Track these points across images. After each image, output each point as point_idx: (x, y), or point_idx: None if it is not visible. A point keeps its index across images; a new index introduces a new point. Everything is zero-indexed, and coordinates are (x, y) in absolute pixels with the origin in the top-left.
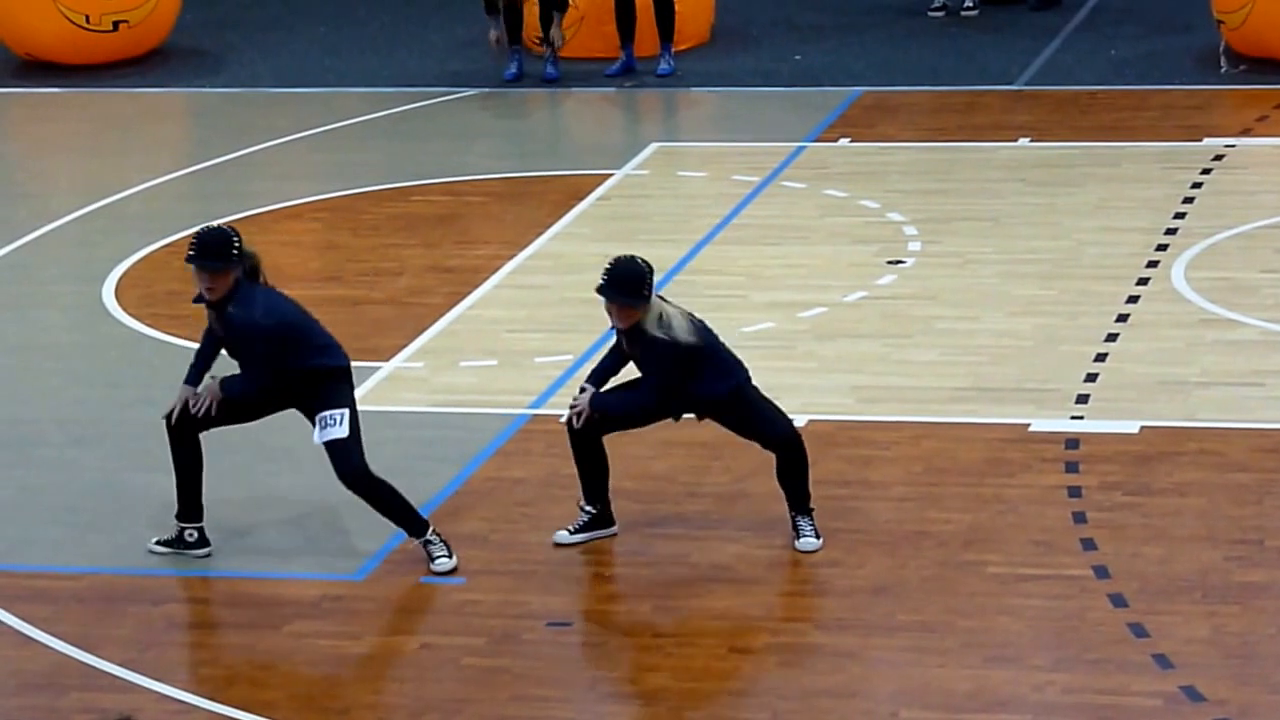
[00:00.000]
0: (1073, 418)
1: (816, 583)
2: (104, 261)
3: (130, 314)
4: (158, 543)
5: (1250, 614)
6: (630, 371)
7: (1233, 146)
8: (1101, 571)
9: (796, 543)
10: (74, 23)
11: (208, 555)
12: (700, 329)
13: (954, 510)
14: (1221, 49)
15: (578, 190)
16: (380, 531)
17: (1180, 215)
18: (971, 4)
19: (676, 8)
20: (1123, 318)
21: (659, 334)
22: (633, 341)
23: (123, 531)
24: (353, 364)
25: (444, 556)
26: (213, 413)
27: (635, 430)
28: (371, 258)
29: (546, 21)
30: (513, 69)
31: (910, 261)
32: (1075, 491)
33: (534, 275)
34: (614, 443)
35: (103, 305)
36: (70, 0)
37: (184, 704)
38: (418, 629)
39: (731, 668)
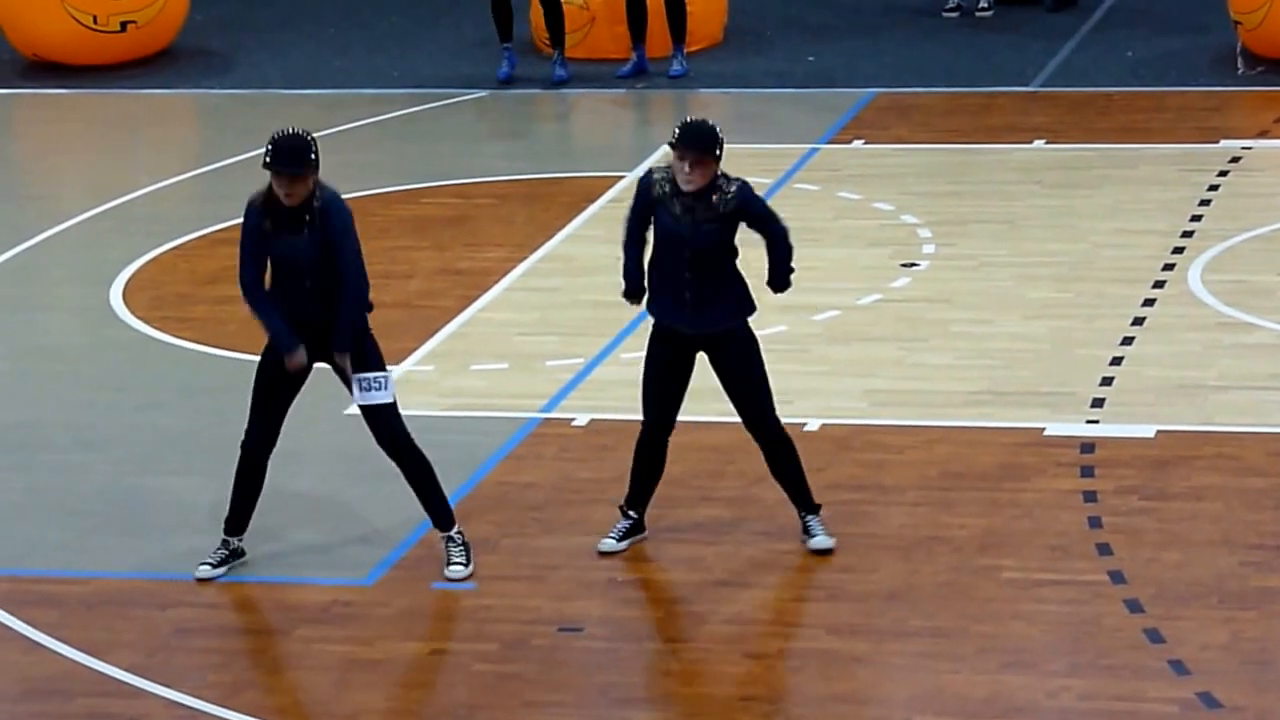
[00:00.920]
0: (1088, 422)
1: (829, 588)
2: (112, 264)
3: (138, 317)
4: (209, 565)
5: (1267, 619)
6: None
7: (1250, 148)
8: (1117, 576)
9: (809, 543)
10: (81, 23)
11: (244, 563)
12: None
13: (968, 515)
14: (1238, 50)
15: (589, 192)
16: (391, 536)
17: (1197, 218)
18: (986, 5)
19: (689, 8)
20: (1139, 321)
21: (729, 181)
22: (703, 199)
23: (130, 536)
24: None
25: (460, 564)
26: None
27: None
28: (381, 260)
29: (554, 23)
30: (504, 68)
31: (924, 264)
32: (1090, 496)
33: (545, 278)
34: (623, 447)
35: (110, 308)
36: (78, 1)
37: (192, 710)
38: (428, 634)
39: (744, 673)
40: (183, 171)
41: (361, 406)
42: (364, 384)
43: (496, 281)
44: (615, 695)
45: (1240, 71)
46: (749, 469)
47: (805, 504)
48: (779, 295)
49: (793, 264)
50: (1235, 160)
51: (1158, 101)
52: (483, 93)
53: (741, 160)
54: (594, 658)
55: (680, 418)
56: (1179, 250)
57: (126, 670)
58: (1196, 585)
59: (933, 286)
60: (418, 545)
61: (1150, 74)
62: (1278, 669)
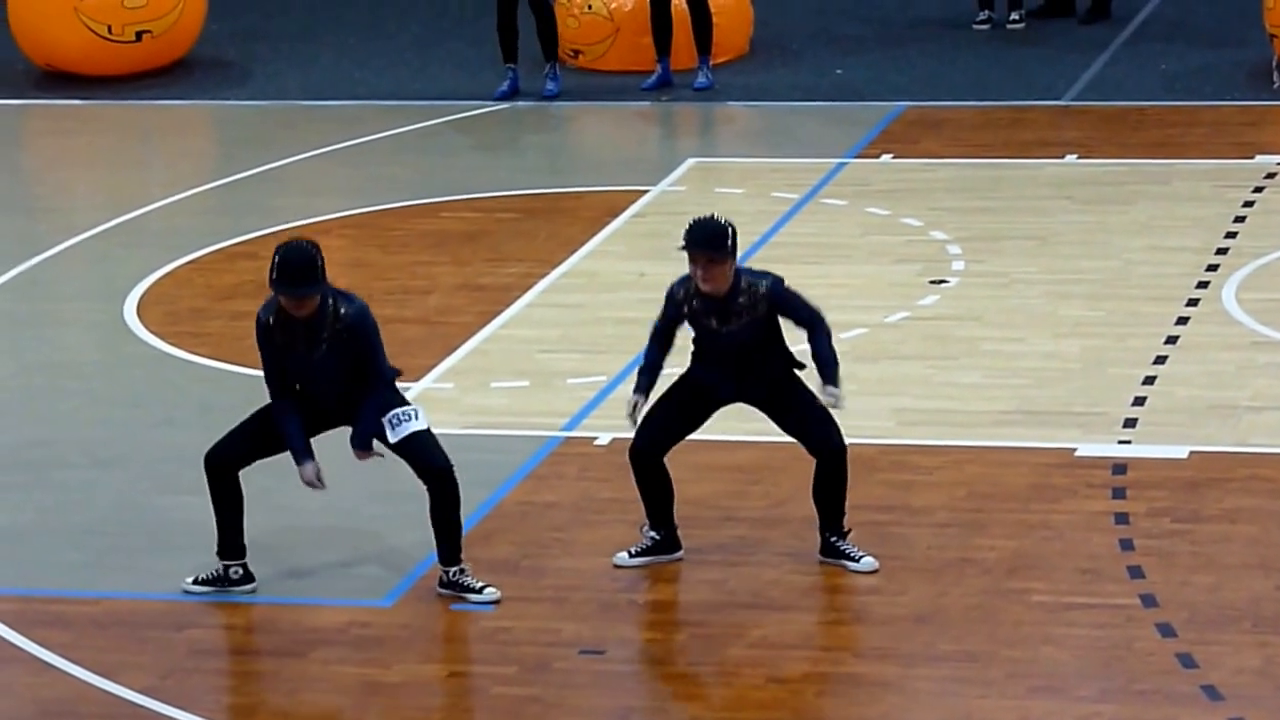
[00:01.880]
0: (1120, 442)
1: (856, 611)
2: (126, 278)
3: (153, 332)
4: (196, 581)
5: None
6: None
7: None
8: (1149, 600)
9: (853, 566)
10: (96, 34)
11: (253, 591)
12: None
13: (998, 537)
14: (1274, 64)
15: (612, 207)
16: (409, 557)
17: (1231, 234)
18: (1017, 17)
19: (715, 20)
20: (1172, 339)
21: (757, 278)
22: (729, 304)
23: (144, 555)
24: None
25: (487, 585)
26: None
27: (672, 450)
28: (400, 275)
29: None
30: (504, 86)
31: (954, 281)
32: (1122, 518)
33: (567, 294)
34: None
35: (124, 323)
36: (93, 11)
37: None
38: (447, 657)
39: (769, 698)
40: (198, 184)
41: (395, 445)
42: (394, 421)
43: (517, 297)
44: None
45: (1276, 85)
46: (773, 489)
47: (836, 526)
48: None
49: (838, 360)
50: (1270, 176)
51: (1192, 116)
52: (504, 105)
53: (766, 175)
54: (616, 681)
55: (705, 437)
56: (1213, 268)
57: (139, 692)
58: (1230, 609)
59: (962, 304)
60: (436, 567)
61: (1184, 88)
62: None
